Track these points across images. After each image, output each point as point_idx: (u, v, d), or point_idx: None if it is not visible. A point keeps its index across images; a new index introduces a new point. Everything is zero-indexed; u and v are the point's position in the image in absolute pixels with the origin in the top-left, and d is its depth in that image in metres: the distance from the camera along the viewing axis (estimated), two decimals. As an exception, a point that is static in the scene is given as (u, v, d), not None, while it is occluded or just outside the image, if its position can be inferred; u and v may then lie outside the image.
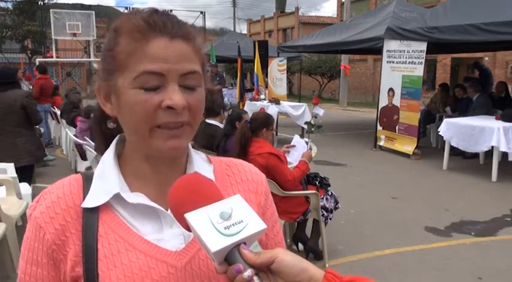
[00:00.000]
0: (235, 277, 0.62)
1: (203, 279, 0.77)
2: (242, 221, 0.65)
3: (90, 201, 0.77)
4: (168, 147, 0.75)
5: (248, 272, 0.62)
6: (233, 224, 0.64)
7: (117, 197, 0.77)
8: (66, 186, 0.80)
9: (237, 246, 0.63)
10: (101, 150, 0.87)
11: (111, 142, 0.85)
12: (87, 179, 0.80)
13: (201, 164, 0.86)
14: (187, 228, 0.66)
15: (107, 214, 0.77)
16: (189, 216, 0.64)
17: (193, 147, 0.87)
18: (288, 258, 0.64)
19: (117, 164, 0.81)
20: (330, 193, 4.01)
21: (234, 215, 0.65)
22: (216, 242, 0.62)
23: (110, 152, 0.82)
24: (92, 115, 7.58)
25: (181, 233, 0.78)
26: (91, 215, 0.77)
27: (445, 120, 7.54)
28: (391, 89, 8.74)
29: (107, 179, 0.79)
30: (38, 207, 0.78)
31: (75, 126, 6.93)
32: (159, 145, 0.75)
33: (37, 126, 6.16)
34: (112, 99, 0.77)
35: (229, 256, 0.63)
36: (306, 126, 4.97)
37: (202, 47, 0.79)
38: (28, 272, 0.78)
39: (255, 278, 0.62)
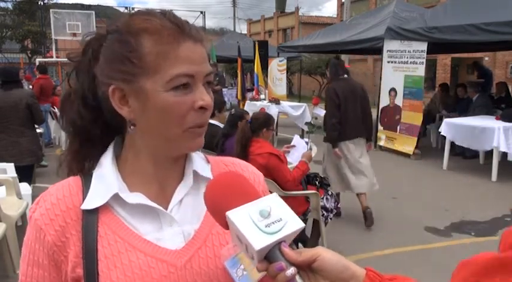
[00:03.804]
0: (277, 275, 0.62)
1: (203, 277, 0.77)
2: (281, 219, 0.65)
3: (89, 203, 0.77)
4: (195, 146, 0.78)
5: (291, 270, 0.62)
6: (273, 222, 0.65)
7: (116, 197, 0.77)
8: (65, 187, 0.80)
9: (277, 244, 0.64)
10: (75, 161, 0.83)
11: (91, 147, 0.83)
12: (86, 180, 0.80)
13: (200, 162, 0.86)
14: (225, 225, 0.66)
15: (107, 215, 0.77)
16: (231, 214, 0.64)
17: None
18: (330, 256, 0.64)
19: (115, 165, 0.81)
20: (329, 193, 4.01)
21: (273, 213, 0.66)
22: (260, 240, 0.62)
23: (109, 154, 0.82)
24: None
25: (181, 232, 0.79)
26: (91, 216, 0.77)
27: (445, 121, 7.54)
28: (393, 89, 8.74)
29: (106, 180, 0.79)
30: (38, 209, 0.79)
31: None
32: (188, 144, 0.78)
33: (37, 127, 6.18)
34: (131, 102, 0.76)
35: (270, 254, 0.63)
36: (306, 127, 4.98)
37: (209, 50, 0.82)
38: (29, 274, 0.78)
39: (297, 276, 0.62)
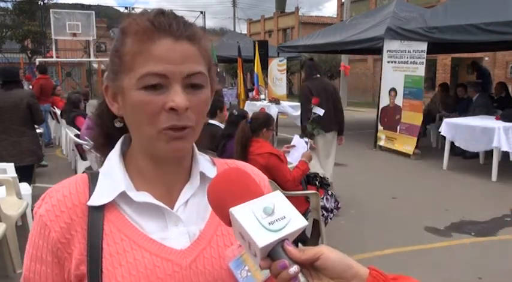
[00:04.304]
0: (280, 273, 0.62)
1: (208, 278, 0.77)
2: (285, 217, 0.65)
3: (96, 200, 0.78)
4: (172, 149, 0.76)
5: (294, 268, 0.61)
6: (277, 220, 0.64)
7: (123, 195, 0.78)
8: (72, 184, 0.81)
9: (280, 242, 0.63)
10: (101, 150, 0.87)
11: (113, 141, 0.85)
12: (93, 178, 0.81)
13: (206, 165, 0.86)
14: (228, 222, 0.66)
15: (112, 213, 0.78)
16: (235, 211, 0.64)
17: (198, 148, 0.87)
18: (333, 255, 0.64)
19: (122, 163, 0.82)
20: (329, 193, 4.01)
21: (277, 211, 0.65)
22: (263, 238, 0.62)
23: (116, 151, 0.83)
24: (80, 104, 7.47)
25: (187, 232, 0.79)
26: (96, 213, 0.77)
27: (445, 121, 7.54)
28: (393, 89, 8.74)
29: (113, 177, 0.79)
30: (43, 205, 0.79)
31: (75, 126, 6.92)
32: (162, 147, 0.76)
33: (37, 127, 6.19)
34: (118, 99, 0.78)
35: (273, 252, 0.63)
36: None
37: (209, 48, 0.80)
38: (32, 269, 0.79)
39: (300, 274, 0.62)
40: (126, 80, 0.74)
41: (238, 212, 0.64)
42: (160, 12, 0.76)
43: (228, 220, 0.66)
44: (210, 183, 0.70)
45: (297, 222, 0.65)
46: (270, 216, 0.64)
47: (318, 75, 5.58)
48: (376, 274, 0.64)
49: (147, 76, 0.72)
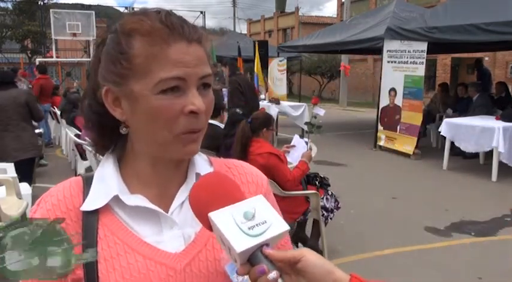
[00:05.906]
0: (259, 278, 0.61)
1: (203, 281, 0.76)
2: (266, 222, 0.64)
3: (89, 204, 0.77)
4: (187, 152, 0.76)
5: (273, 274, 0.60)
6: (257, 225, 0.64)
7: (117, 199, 0.77)
8: (66, 188, 0.80)
9: (260, 247, 0.63)
10: (100, 151, 0.85)
11: (111, 140, 0.83)
12: (87, 182, 0.80)
13: (203, 165, 0.85)
14: (209, 227, 0.65)
15: (107, 216, 0.77)
16: (213, 216, 0.63)
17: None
18: (314, 258, 0.64)
19: (117, 166, 0.81)
20: (330, 193, 4.00)
21: (258, 215, 0.64)
22: (241, 243, 0.61)
23: (110, 154, 0.82)
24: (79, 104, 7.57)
25: (181, 235, 0.78)
26: (91, 217, 0.76)
27: (445, 120, 7.54)
28: (392, 89, 8.74)
29: (106, 181, 0.79)
30: (38, 210, 0.79)
31: (75, 126, 6.93)
32: (178, 150, 0.75)
33: (36, 127, 6.22)
34: (123, 104, 0.75)
35: (253, 257, 0.63)
36: (305, 127, 4.99)
37: (209, 48, 0.79)
38: None
39: (280, 280, 0.61)
40: (139, 84, 0.72)
41: (217, 216, 0.63)
42: (168, 13, 0.74)
43: (209, 225, 0.65)
44: (191, 189, 0.69)
45: (278, 227, 0.64)
46: (250, 221, 0.63)
47: (238, 72, 7.57)
48: (356, 281, 0.64)
49: (166, 81, 0.70)
